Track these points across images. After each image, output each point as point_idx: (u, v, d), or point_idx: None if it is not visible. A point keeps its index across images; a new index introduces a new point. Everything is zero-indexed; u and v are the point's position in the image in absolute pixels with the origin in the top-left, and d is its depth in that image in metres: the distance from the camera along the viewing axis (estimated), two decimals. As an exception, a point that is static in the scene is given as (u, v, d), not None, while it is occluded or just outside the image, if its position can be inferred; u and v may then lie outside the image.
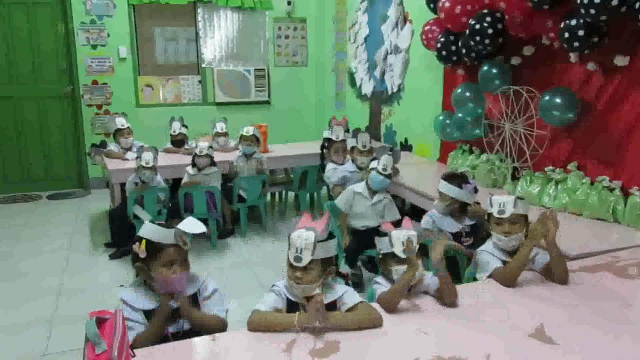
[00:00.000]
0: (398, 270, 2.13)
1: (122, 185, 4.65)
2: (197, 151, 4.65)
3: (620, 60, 3.04)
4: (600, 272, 2.43)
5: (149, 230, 1.98)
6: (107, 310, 1.58)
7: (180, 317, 2.00)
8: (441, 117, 4.52)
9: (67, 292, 3.89)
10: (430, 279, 2.17)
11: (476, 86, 4.02)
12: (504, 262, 2.41)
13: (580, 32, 2.97)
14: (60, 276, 4.16)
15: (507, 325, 1.96)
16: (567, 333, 1.87)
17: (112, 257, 4.51)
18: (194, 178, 4.67)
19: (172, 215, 4.69)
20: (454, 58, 4.20)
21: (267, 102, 7.48)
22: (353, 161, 4.36)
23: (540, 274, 2.38)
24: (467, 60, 4.13)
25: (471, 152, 4.43)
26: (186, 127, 5.49)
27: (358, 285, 3.86)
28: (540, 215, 2.31)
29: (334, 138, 4.70)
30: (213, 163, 4.76)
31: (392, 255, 2.14)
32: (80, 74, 6.60)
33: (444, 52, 4.22)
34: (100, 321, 1.46)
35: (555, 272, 2.30)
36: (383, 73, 5.89)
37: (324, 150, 4.84)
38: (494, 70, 3.85)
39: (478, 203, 3.21)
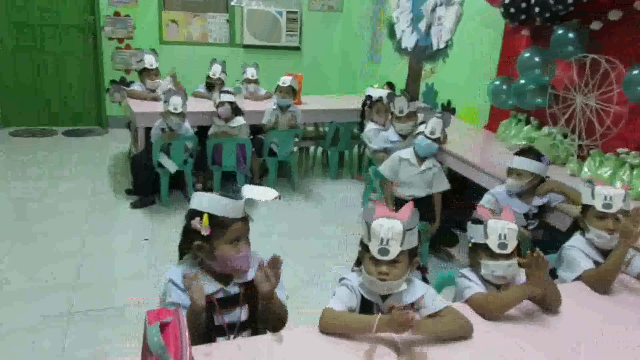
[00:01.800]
0: (488, 265, 1.85)
1: (147, 129, 4.33)
2: (214, 102, 4.31)
3: None
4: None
5: (213, 203, 1.67)
6: (166, 308, 1.31)
7: (239, 306, 1.73)
8: (497, 82, 4.13)
9: (90, 244, 3.66)
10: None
11: (546, 51, 3.61)
12: (596, 263, 2.12)
13: (696, 0, 2.56)
14: (82, 225, 3.92)
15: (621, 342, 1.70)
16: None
17: (134, 205, 4.26)
18: (221, 129, 4.34)
19: (198, 166, 4.41)
20: (523, 17, 3.77)
21: (298, 49, 7.04)
22: (394, 127, 4.02)
23: (636, 279, 2.11)
24: (538, 21, 3.71)
25: (527, 122, 4.07)
26: (225, 73, 5.07)
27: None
28: (633, 211, 2.00)
29: (376, 97, 4.34)
30: (238, 112, 4.40)
31: (485, 247, 1.85)
32: (102, 3, 6.16)
33: (512, 9, 3.78)
34: (163, 326, 1.19)
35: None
36: (429, 26, 5.42)
37: (365, 108, 4.49)
38: (570, 35, 3.44)
39: (548, 177, 2.93)
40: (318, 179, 5.21)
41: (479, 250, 1.88)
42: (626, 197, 2.08)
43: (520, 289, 1.80)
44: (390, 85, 4.68)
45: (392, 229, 1.64)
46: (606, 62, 3.26)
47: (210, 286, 1.69)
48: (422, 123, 3.46)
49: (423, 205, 3.49)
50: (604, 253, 2.15)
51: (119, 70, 6.35)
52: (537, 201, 2.93)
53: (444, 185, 3.49)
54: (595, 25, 3.41)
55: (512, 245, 1.82)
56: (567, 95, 3.61)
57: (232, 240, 1.68)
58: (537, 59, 3.62)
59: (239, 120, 4.39)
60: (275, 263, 1.65)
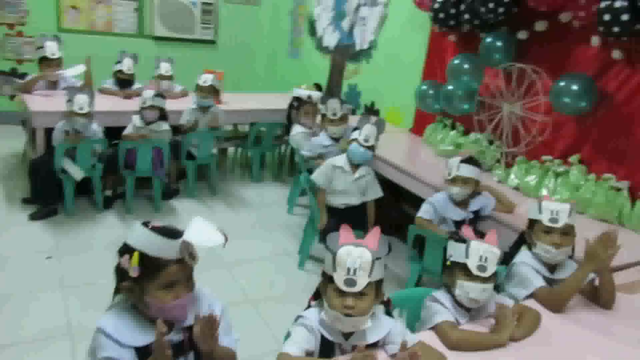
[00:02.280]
0: (463, 286, 1.77)
1: (48, 130, 3.83)
2: (140, 102, 3.91)
3: (655, 53, 2.78)
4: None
5: (144, 239, 1.42)
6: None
7: (185, 354, 1.49)
8: (424, 86, 4.12)
9: (-22, 262, 3.16)
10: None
11: (475, 58, 3.64)
12: (545, 279, 2.11)
13: (625, 17, 2.65)
14: (-33, 240, 3.39)
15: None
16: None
17: (34, 217, 3.76)
18: (140, 131, 3.95)
19: (109, 170, 3.99)
20: (452, 23, 3.77)
21: (213, 42, 6.68)
22: (326, 130, 3.88)
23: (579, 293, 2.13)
24: (466, 27, 3.73)
25: (453, 127, 4.10)
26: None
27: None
28: (602, 236, 2.01)
29: (304, 98, 4.17)
30: (164, 117, 4.04)
31: (463, 267, 1.77)
32: (-13, -17, 5.42)
33: (441, 15, 3.76)
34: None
35: (604, 297, 2.04)
36: (352, 26, 5.35)
37: (292, 110, 4.30)
38: (499, 43, 3.48)
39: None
40: (239, 182, 4.96)
41: (456, 270, 1.80)
42: (571, 211, 2.08)
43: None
44: (317, 86, 4.54)
45: (360, 258, 1.48)
46: (532, 71, 3.33)
47: (147, 336, 1.43)
48: (355, 129, 3.34)
49: (357, 213, 3.40)
50: (550, 267, 2.15)
51: (9, 60, 5.64)
52: (473, 207, 2.93)
53: (377, 192, 3.41)
54: (522, 35, 3.47)
55: (491, 269, 1.75)
56: (494, 102, 3.66)
57: (166, 286, 1.43)
58: (466, 66, 3.64)
59: (163, 126, 4.02)
60: (210, 323, 1.43)
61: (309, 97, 4.16)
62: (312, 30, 6.07)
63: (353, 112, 5.26)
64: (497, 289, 2.28)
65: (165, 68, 4.81)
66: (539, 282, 2.08)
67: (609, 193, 2.98)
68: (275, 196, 4.69)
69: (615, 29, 2.72)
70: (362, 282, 1.48)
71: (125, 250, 1.44)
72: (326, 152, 3.79)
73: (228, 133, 5.18)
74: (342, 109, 3.78)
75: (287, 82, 6.56)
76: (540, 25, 3.36)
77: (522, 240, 2.31)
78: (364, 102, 5.27)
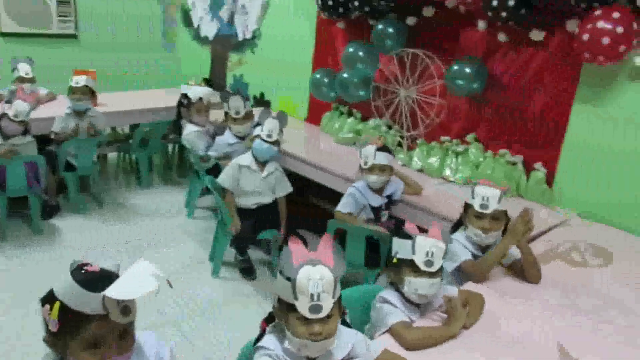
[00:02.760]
0: (411, 282, 1.75)
1: None
2: (9, 113, 3.38)
3: (536, 35, 2.98)
4: (552, 261, 2.37)
5: (65, 287, 1.17)
6: None
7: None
8: (318, 75, 4.07)
9: None
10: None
11: (369, 45, 3.65)
12: (475, 257, 2.19)
13: (511, 2, 2.80)
14: None
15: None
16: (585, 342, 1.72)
17: None
18: (3, 147, 3.40)
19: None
20: (341, 10, 3.75)
21: (74, 37, 6.02)
22: (230, 129, 3.67)
23: (506, 268, 2.24)
24: (355, 15, 3.74)
25: (350, 114, 4.12)
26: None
27: (249, 272, 3.34)
28: (522, 213, 2.12)
29: (192, 98, 3.91)
30: (27, 132, 3.53)
31: (410, 264, 1.75)
32: None
33: (330, 2, 3.72)
34: None
35: (531, 272, 2.16)
36: (232, 15, 5.12)
37: (182, 109, 4.01)
38: (390, 30, 3.53)
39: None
40: (127, 190, 4.55)
41: (404, 267, 1.78)
42: (501, 198, 2.16)
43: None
44: (207, 81, 4.28)
45: (321, 280, 1.37)
46: (425, 56, 3.42)
47: None
48: (256, 125, 3.19)
49: (269, 211, 3.28)
50: (483, 249, 2.24)
51: None
52: (387, 191, 2.96)
53: (287, 188, 3.31)
54: (411, 21, 3.56)
55: (437, 264, 1.74)
56: (390, 88, 3.72)
57: (90, 345, 1.20)
58: (360, 53, 3.64)
59: (26, 137, 3.51)
60: None
61: (200, 98, 3.90)
62: (187, 21, 5.71)
63: (264, 106, 5.07)
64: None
65: (25, 69, 4.22)
66: (466, 256, 2.18)
67: (507, 168, 3.18)
68: (170, 201, 4.38)
69: (503, 14, 2.87)
70: (327, 305, 1.37)
71: (49, 298, 1.19)
72: (232, 151, 3.60)
73: (107, 137, 4.71)
74: (245, 106, 3.59)
75: (164, 77, 6.16)
76: (428, 11, 3.46)
77: (461, 222, 2.37)
78: (253, 94, 5.09)
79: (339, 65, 4.11)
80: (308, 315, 1.36)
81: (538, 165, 3.09)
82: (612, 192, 2.86)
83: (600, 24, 2.54)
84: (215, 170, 3.90)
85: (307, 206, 3.69)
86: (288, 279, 1.37)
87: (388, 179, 2.89)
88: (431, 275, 1.76)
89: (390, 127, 3.78)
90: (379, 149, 2.84)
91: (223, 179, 3.19)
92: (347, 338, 1.52)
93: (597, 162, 2.89)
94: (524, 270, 2.17)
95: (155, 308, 2.92)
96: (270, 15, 4.72)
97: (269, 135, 3.11)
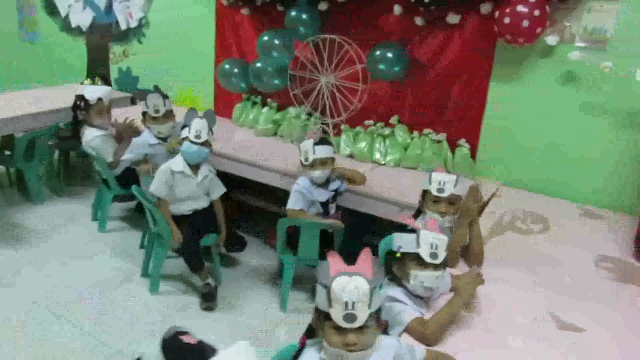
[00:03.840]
0: (417, 276, 1.78)
1: None
2: None
3: (452, 19, 3.13)
4: (506, 233, 2.56)
5: None
6: None
7: None
8: (227, 65, 3.88)
9: None
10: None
11: (283, 33, 3.55)
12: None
13: (432, -12, 2.90)
14: None
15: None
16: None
17: None
18: None
19: None
20: (247, -4, 3.59)
21: None
22: (149, 130, 3.36)
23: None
24: (260, 1, 3.62)
25: (264, 105, 4.00)
26: None
27: (212, 297, 3.11)
28: (471, 189, 2.24)
29: (90, 100, 3.49)
30: None
31: (415, 257, 1.77)
32: None
33: (237, -12, 3.54)
34: None
35: (475, 252, 2.23)
36: (110, 3, 4.64)
37: (79, 112, 3.56)
38: (304, 16, 3.46)
39: None
40: (16, 209, 3.96)
41: (408, 261, 1.80)
42: (457, 182, 2.27)
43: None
44: (104, 79, 3.81)
45: (357, 290, 1.36)
46: (343, 42, 3.42)
47: None
48: (184, 127, 2.95)
49: (206, 215, 3.09)
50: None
51: None
52: (333, 186, 2.95)
53: (220, 189, 3.13)
54: (322, 6, 3.52)
55: (442, 255, 1.78)
56: (308, 75, 3.66)
57: None
58: (276, 41, 3.52)
59: None
60: None
61: (99, 99, 3.50)
62: (51, 9, 5.08)
63: (133, 101, 4.67)
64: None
65: None
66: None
67: (434, 146, 3.34)
68: (72, 215, 3.92)
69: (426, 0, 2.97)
70: (362, 316, 1.36)
71: None
72: (153, 152, 3.31)
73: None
74: (165, 104, 3.29)
75: (30, 73, 5.42)
76: (338, -5, 3.45)
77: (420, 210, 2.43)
78: (144, 87, 4.70)
79: (247, 55, 3.95)
80: (342, 324, 1.35)
81: (462, 141, 3.29)
82: (529, 161, 3.15)
83: (519, 8, 2.75)
84: (126, 177, 3.59)
85: (230, 203, 3.51)
86: (324, 286, 1.37)
87: (330, 171, 2.87)
88: (436, 267, 1.80)
89: (310, 115, 3.74)
90: (317, 143, 2.81)
91: (157, 187, 2.93)
92: (388, 346, 1.50)
93: (515, 134, 3.16)
94: (469, 252, 2.24)
95: (95, 341, 2.62)
96: (161, 1, 4.36)
97: (198, 136, 2.88)
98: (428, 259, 1.78)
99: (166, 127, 3.30)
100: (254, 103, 4.03)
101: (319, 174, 2.80)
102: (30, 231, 3.63)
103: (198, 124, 2.92)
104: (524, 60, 3.03)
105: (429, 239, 1.80)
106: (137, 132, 3.58)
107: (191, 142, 2.90)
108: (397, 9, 3.27)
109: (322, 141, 2.83)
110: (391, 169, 3.37)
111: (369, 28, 3.44)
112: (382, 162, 3.43)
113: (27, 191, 4.06)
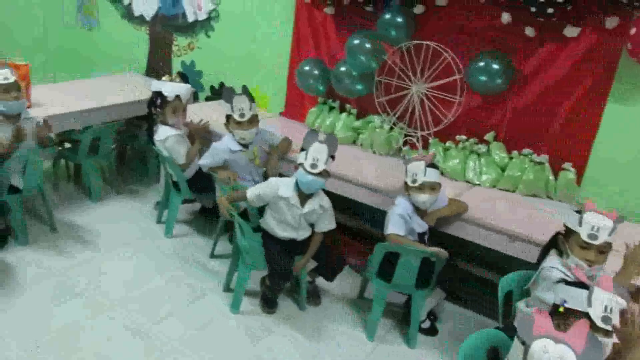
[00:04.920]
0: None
1: None
2: None
3: (571, 32, 2.86)
4: None
5: None
6: None
7: None
8: (307, 67, 3.65)
9: None
10: None
11: (374, 36, 3.30)
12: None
13: (561, -2, 2.63)
14: None
15: None
16: None
17: None
18: None
19: None
20: (334, -6, 3.35)
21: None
22: (232, 135, 3.15)
23: None
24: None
25: (342, 110, 3.76)
26: None
27: (272, 303, 2.91)
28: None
29: (166, 94, 3.29)
30: None
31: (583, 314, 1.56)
32: None
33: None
34: None
35: None
36: (178, -9, 4.43)
37: (155, 109, 3.36)
38: (399, 19, 3.22)
39: None
40: (75, 206, 3.79)
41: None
42: (614, 229, 2.00)
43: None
44: (182, 76, 3.61)
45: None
46: (440, 49, 3.16)
47: None
48: (301, 150, 2.67)
49: (300, 245, 2.81)
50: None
51: None
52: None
53: (330, 224, 2.79)
54: (418, 10, 3.27)
55: (615, 320, 1.58)
56: (398, 83, 3.41)
57: None
58: (367, 45, 3.27)
59: None
60: None
61: (177, 96, 3.29)
62: (114, -5, 4.89)
63: (195, 96, 4.47)
64: (527, 293, 2.19)
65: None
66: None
67: (535, 168, 3.07)
68: (133, 216, 3.74)
69: (549, 10, 2.70)
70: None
71: None
72: (233, 159, 3.11)
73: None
74: (251, 107, 3.07)
75: (87, 60, 5.24)
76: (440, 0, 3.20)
77: (553, 242, 2.19)
78: (210, 84, 4.50)
79: (327, 56, 3.72)
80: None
81: (567, 165, 3.02)
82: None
83: (661, 25, 2.47)
84: (196, 181, 3.40)
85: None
86: (523, 343, 1.31)
87: (436, 198, 2.63)
88: (606, 333, 1.58)
89: (393, 126, 3.49)
90: (429, 166, 2.57)
91: (255, 198, 2.70)
92: None
93: (631, 162, 2.87)
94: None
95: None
96: (234, -7, 4.14)
97: (314, 165, 2.53)
98: (600, 324, 1.55)
99: (250, 134, 3.09)
100: (331, 108, 3.79)
101: (426, 198, 2.56)
102: (91, 232, 3.44)
103: (317, 151, 2.56)
104: (651, 82, 2.75)
105: (604, 300, 1.56)
106: (209, 136, 3.39)
107: (305, 171, 2.57)
108: (505, 17, 3.00)
109: (433, 165, 2.59)
110: (487, 190, 3.11)
111: (469, 36, 3.17)
112: (477, 182, 3.18)
113: (87, 188, 3.88)
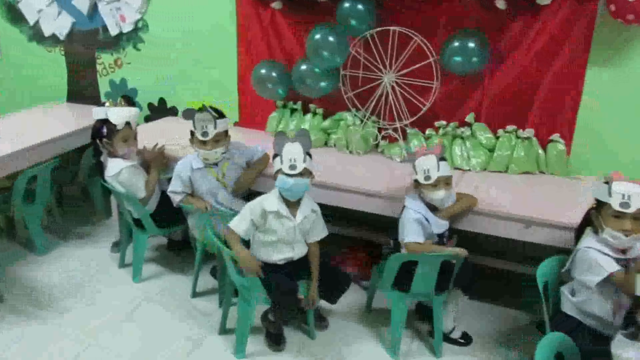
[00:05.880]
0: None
1: None
2: None
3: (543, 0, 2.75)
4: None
5: None
6: None
7: None
8: (263, 70, 3.32)
9: None
10: None
11: (337, 28, 3.04)
12: (617, 260, 1.97)
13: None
14: None
15: None
16: None
17: None
18: None
19: None
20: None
21: None
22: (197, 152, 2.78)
23: None
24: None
25: (305, 111, 3.47)
26: None
27: (278, 340, 2.60)
28: None
29: (114, 122, 2.85)
30: None
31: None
32: None
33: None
34: None
35: None
36: (94, 4, 3.93)
37: (102, 141, 2.90)
38: (359, 7, 2.97)
39: None
40: (20, 265, 3.25)
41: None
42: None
43: None
44: (127, 99, 3.13)
45: None
46: (408, 33, 2.96)
47: None
48: (275, 156, 2.38)
49: (299, 265, 2.52)
50: (622, 251, 1.99)
51: None
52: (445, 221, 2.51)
53: (322, 231, 2.52)
54: (377, -6, 3.04)
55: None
56: (367, 75, 3.18)
57: None
58: (331, 38, 2.99)
59: None
60: None
61: (127, 123, 2.87)
62: (14, 16, 4.28)
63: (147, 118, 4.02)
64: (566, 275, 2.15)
65: None
66: (612, 267, 1.94)
67: (524, 145, 2.96)
68: (90, 264, 3.27)
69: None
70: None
71: None
72: (195, 178, 2.80)
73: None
74: (216, 126, 2.71)
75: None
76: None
77: (588, 220, 2.07)
78: (147, 102, 4.04)
79: (280, 56, 3.41)
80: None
81: (555, 136, 2.93)
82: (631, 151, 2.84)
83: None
84: (161, 214, 3.01)
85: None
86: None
87: (452, 192, 2.43)
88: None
89: (363, 120, 3.26)
90: (441, 159, 2.36)
91: (239, 223, 2.37)
92: None
93: (616, 124, 2.83)
94: None
95: None
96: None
97: (293, 167, 2.29)
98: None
99: (214, 154, 2.73)
100: (293, 110, 3.50)
101: (443, 194, 2.35)
102: (48, 294, 2.95)
103: (291, 151, 2.31)
104: (628, 43, 2.70)
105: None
106: (167, 161, 3.01)
107: (286, 174, 2.32)
108: (471, -7, 2.84)
109: (443, 157, 2.38)
110: (479, 175, 2.97)
111: (437, 16, 2.99)
112: (467, 168, 3.02)
113: (30, 241, 3.35)
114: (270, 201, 2.37)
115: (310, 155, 2.37)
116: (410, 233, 2.35)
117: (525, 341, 2.61)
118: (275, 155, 2.38)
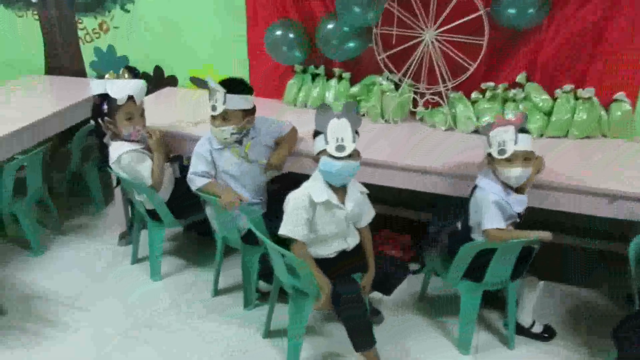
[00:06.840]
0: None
1: None
2: None
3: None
4: None
5: None
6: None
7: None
8: (278, 31, 2.88)
9: None
10: None
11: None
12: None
13: None
14: None
15: None
16: None
17: None
18: None
19: None
20: None
21: None
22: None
23: None
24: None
25: (329, 76, 3.07)
26: None
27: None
28: None
29: (115, 97, 2.40)
30: None
31: None
32: None
33: None
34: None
35: None
36: (72, -42, 3.38)
37: (103, 120, 2.46)
38: (397, -49, 2.55)
39: None
40: (16, 268, 2.83)
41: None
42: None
43: None
44: (131, 70, 2.65)
45: None
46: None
47: None
48: (316, 134, 2.01)
49: (353, 254, 2.19)
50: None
51: None
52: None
53: (370, 213, 2.22)
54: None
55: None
56: (405, 33, 2.77)
57: None
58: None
59: None
60: None
61: (130, 97, 2.42)
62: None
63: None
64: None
65: None
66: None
67: (585, 106, 2.65)
68: (97, 262, 2.88)
69: None
70: None
71: None
72: (216, 159, 2.41)
73: None
74: (225, 100, 2.27)
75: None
76: None
77: None
78: (140, 71, 3.56)
79: (295, 15, 2.98)
80: None
81: (620, 95, 2.62)
82: None
83: None
84: (178, 202, 2.63)
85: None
86: None
87: (531, 170, 2.10)
88: None
89: (397, 84, 2.88)
90: (520, 130, 2.02)
91: (294, 227, 1.99)
92: None
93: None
94: None
95: None
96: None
97: (340, 147, 1.94)
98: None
99: (220, 133, 2.31)
100: (315, 75, 3.09)
101: (519, 172, 2.02)
102: (51, 304, 2.56)
103: (338, 129, 1.95)
104: None
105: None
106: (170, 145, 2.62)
107: (332, 156, 1.97)
108: None
109: (523, 129, 2.04)
110: (537, 141, 2.64)
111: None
112: (522, 136, 2.69)
113: (19, 239, 2.93)
114: (317, 190, 2.01)
115: (357, 133, 2.00)
116: (490, 218, 2.04)
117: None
118: (316, 133, 2.00)
